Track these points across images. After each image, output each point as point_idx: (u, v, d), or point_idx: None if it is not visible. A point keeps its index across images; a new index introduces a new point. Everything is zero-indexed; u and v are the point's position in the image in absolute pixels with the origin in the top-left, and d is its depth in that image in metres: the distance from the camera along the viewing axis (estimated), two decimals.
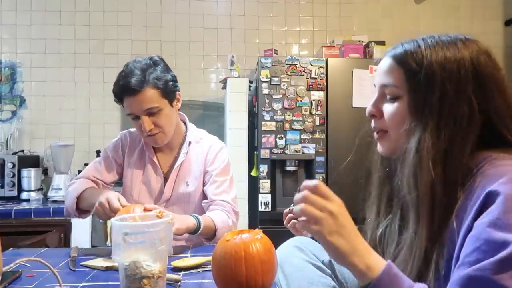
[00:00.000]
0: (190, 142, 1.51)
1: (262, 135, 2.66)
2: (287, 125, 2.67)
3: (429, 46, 0.75)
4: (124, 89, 1.34)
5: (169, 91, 1.40)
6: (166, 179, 1.49)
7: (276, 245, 0.92)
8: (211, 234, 1.37)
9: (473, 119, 0.70)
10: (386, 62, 0.81)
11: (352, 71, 2.69)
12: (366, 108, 0.85)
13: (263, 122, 2.66)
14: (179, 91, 1.47)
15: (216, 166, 1.49)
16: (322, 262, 0.95)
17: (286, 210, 1.04)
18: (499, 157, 0.68)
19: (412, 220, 0.74)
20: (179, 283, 0.94)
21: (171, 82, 1.41)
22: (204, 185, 1.50)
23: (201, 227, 1.29)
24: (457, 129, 0.70)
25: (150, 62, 1.39)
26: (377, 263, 0.66)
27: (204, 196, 1.49)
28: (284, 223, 1.04)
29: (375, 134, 0.85)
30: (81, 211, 1.44)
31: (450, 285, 0.62)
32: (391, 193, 0.87)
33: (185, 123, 1.58)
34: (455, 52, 0.73)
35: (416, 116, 0.74)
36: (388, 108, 0.79)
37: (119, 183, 1.56)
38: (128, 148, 1.52)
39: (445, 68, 0.72)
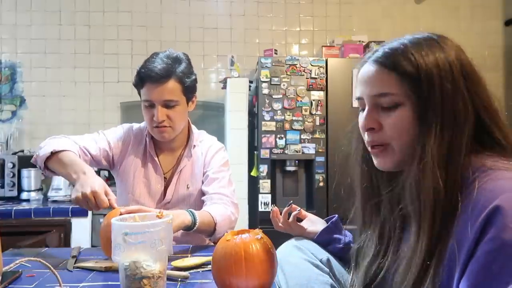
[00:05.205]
0: (194, 146, 1.51)
1: (262, 135, 2.66)
2: (287, 125, 2.67)
3: (415, 47, 0.73)
4: (149, 75, 1.34)
5: (190, 90, 1.42)
6: (165, 180, 1.49)
7: (276, 245, 0.92)
8: (210, 230, 1.31)
9: (467, 114, 0.70)
10: (370, 69, 0.75)
11: (352, 71, 2.69)
12: None
13: (263, 122, 2.66)
14: (196, 94, 1.49)
15: (213, 165, 1.49)
16: (320, 261, 0.95)
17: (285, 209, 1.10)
18: (495, 166, 0.65)
19: (413, 232, 0.70)
20: (186, 280, 0.95)
21: (194, 83, 1.44)
22: (202, 184, 1.49)
23: (197, 222, 1.22)
24: (456, 128, 0.69)
25: (181, 56, 1.41)
26: None
27: (203, 194, 1.48)
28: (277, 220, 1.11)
29: (370, 149, 0.79)
30: (47, 168, 1.32)
31: None
32: (373, 208, 0.85)
33: (188, 127, 1.57)
34: (442, 52, 0.72)
35: (420, 121, 0.71)
36: (389, 119, 0.73)
37: (114, 183, 1.55)
38: (131, 145, 1.50)
39: (439, 67, 0.70)
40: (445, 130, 0.69)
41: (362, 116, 0.78)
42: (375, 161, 0.80)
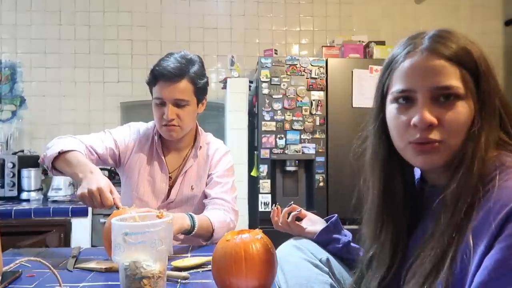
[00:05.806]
0: (200, 147, 1.52)
1: (262, 135, 2.66)
2: (287, 125, 2.67)
3: (466, 39, 0.74)
4: (162, 73, 1.36)
5: (201, 91, 1.44)
6: (170, 179, 1.49)
7: (276, 245, 0.92)
8: (208, 235, 1.33)
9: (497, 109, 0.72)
10: (431, 60, 0.71)
11: (352, 71, 2.69)
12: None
13: (263, 122, 2.66)
14: (206, 96, 1.50)
15: (219, 169, 1.50)
16: (320, 260, 0.95)
17: (285, 209, 1.10)
18: None
19: (445, 224, 0.68)
20: (186, 280, 0.95)
21: (205, 85, 1.46)
22: (206, 186, 1.50)
23: (196, 227, 1.24)
24: (496, 123, 0.71)
25: (195, 58, 1.43)
26: None
27: (205, 197, 1.49)
28: (276, 219, 1.11)
29: (415, 145, 0.72)
30: (54, 168, 1.32)
31: None
32: (389, 215, 0.82)
33: (196, 129, 1.57)
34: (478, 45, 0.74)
35: (477, 115, 0.70)
36: (450, 113, 0.69)
37: (118, 183, 1.55)
38: (137, 143, 1.50)
39: (486, 62, 0.72)
40: (495, 125, 0.70)
41: (417, 111, 0.71)
42: (419, 160, 0.73)
